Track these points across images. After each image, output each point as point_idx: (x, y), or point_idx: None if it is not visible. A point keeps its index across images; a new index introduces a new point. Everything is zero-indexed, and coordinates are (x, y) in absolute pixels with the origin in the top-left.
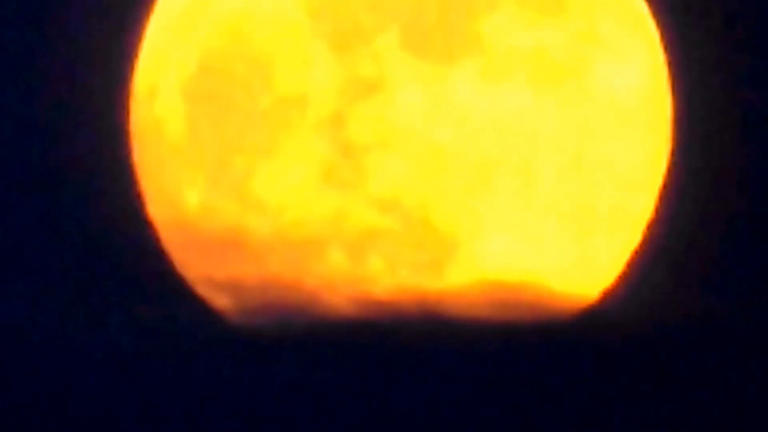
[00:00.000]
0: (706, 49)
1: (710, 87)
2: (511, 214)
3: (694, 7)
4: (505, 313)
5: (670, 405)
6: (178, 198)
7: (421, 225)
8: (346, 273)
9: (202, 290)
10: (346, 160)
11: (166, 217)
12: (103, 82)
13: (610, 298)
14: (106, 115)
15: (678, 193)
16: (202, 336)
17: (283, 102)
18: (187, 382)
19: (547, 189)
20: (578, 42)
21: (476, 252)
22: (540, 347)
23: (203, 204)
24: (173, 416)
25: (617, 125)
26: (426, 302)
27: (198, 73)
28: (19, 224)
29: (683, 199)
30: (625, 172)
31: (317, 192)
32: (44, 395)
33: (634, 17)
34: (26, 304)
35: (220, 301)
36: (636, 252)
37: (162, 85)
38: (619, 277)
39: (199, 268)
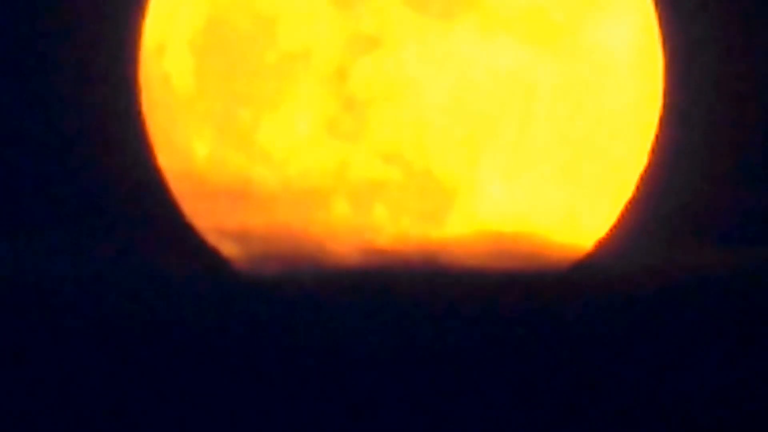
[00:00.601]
0: (693, 2)
1: (698, 40)
2: (509, 166)
3: None
4: (504, 262)
5: (661, 357)
6: (186, 150)
7: (422, 176)
8: (351, 222)
9: (211, 239)
10: (349, 112)
11: (176, 168)
12: (113, 37)
13: (604, 248)
14: (115, 69)
15: (670, 144)
16: (211, 283)
17: (288, 57)
18: (196, 328)
19: (543, 142)
20: (574, 5)
21: (475, 202)
22: (536, 296)
23: (211, 155)
24: (183, 361)
25: (610, 79)
26: (428, 251)
27: (205, 28)
28: (33, 179)
29: (675, 151)
30: (618, 124)
31: (322, 144)
32: (61, 337)
33: None
34: (45, 253)
35: (228, 249)
36: (630, 203)
37: (170, 40)
38: (614, 227)
39: (207, 217)
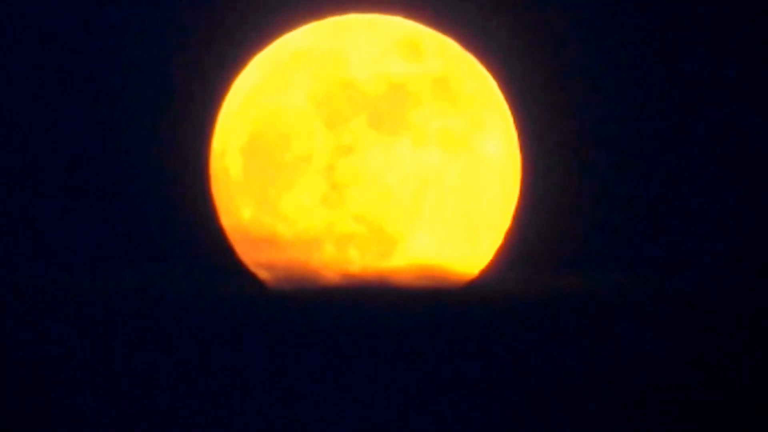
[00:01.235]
0: (543, 121)
1: (544, 142)
2: (429, 224)
3: (534, 94)
4: (423, 282)
5: (527, 351)
6: (237, 214)
7: (378, 230)
8: (335, 259)
9: (252, 268)
10: (334, 192)
11: (231, 224)
12: (195, 145)
13: (486, 273)
14: (196, 164)
15: (526, 210)
16: (252, 296)
17: (298, 158)
18: (242, 326)
19: (448, 208)
20: (468, 124)
21: (410, 246)
22: (444, 303)
23: (252, 217)
24: (234, 346)
25: (488, 168)
26: (381, 276)
27: (249, 141)
28: (137, 231)
29: (531, 213)
30: (494, 196)
31: (318, 211)
32: (131, 341)
33: (497, 106)
34: (141, 277)
35: (262, 275)
36: (500, 248)
37: (228, 147)
38: (490, 263)
39: (250, 255)
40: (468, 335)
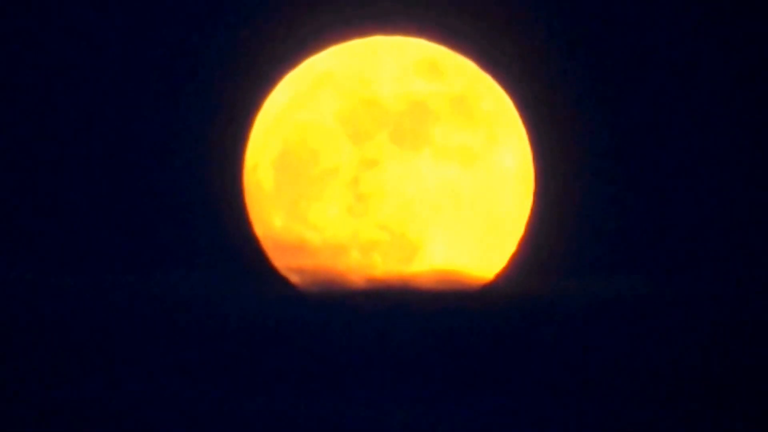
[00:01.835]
0: (555, 137)
1: (556, 156)
2: (448, 232)
3: (546, 111)
4: (442, 286)
5: (540, 349)
6: (269, 223)
7: (400, 237)
8: (360, 264)
9: (285, 273)
10: (359, 202)
11: (264, 233)
12: (230, 160)
13: (501, 277)
14: (231, 177)
15: (538, 219)
16: (285, 298)
17: (326, 171)
18: (277, 324)
19: (465, 218)
20: (485, 139)
21: (429, 253)
22: (461, 306)
23: (284, 226)
24: (266, 345)
25: (503, 180)
26: (403, 280)
27: (280, 155)
28: (177, 239)
29: (543, 222)
30: (509, 206)
31: (344, 219)
32: (188, 338)
33: (513, 122)
34: (180, 282)
35: (294, 279)
36: (515, 253)
37: (261, 161)
38: (505, 268)
39: (282, 261)
40: (484, 336)
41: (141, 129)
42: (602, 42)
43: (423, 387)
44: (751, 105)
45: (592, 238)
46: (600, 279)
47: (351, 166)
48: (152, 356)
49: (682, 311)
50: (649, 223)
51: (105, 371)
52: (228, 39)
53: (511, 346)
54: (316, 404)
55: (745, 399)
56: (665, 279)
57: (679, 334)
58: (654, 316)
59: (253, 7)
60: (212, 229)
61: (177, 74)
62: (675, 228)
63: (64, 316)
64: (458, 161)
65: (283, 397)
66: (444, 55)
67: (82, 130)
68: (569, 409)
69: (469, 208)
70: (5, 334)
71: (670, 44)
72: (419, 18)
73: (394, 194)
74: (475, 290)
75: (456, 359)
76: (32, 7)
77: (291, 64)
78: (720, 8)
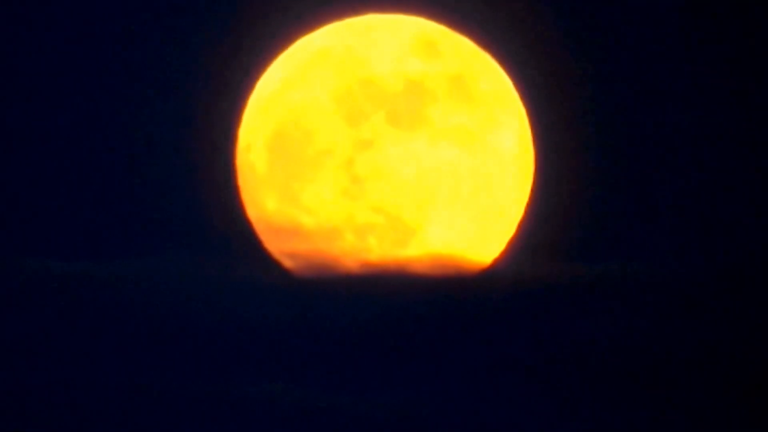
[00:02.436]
0: (555, 118)
1: (556, 140)
2: (444, 215)
3: (546, 91)
4: (439, 270)
5: (539, 346)
6: (262, 205)
7: (396, 220)
8: (354, 247)
9: (278, 257)
10: (354, 184)
11: (256, 215)
12: (222, 140)
13: (498, 262)
14: (224, 158)
15: (537, 202)
16: (279, 282)
17: (321, 152)
18: (270, 308)
19: (463, 200)
20: (483, 120)
21: (426, 236)
22: (458, 290)
23: (277, 208)
24: (261, 327)
25: (502, 162)
26: (399, 264)
27: (274, 135)
28: (168, 222)
29: (542, 205)
30: (508, 190)
31: (339, 202)
32: (178, 322)
33: (511, 103)
34: (171, 265)
35: (287, 263)
36: (511, 239)
37: (254, 142)
38: (502, 252)
39: (275, 244)
40: (480, 320)
41: (132, 110)
42: (603, 21)
43: (418, 373)
44: (750, 94)
45: (592, 221)
46: (601, 263)
47: (346, 147)
48: (143, 341)
49: (682, 296)
50: (649, 207)
51: (95, 356)
52: (221, 17)
53: (510, 332)
54: (310, 390)
55: (737, 384)
56: (665, 264)
57: (678, 319)
58: (652, 301)
59: None
60: (204, 212)
61: (169, 54)
62: (675, 213)
63: (54, 300)
64: (456, 142)
65: (276, 382)
66: (442, 33)
67: (72, 114)
68: (565, 393)
69: (466, 190)
70: None
71: (671, 26)
72: None
73: (390, 176)
74: (473, 275)
75: (453, 345)
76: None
77: (285, 42)
78: None
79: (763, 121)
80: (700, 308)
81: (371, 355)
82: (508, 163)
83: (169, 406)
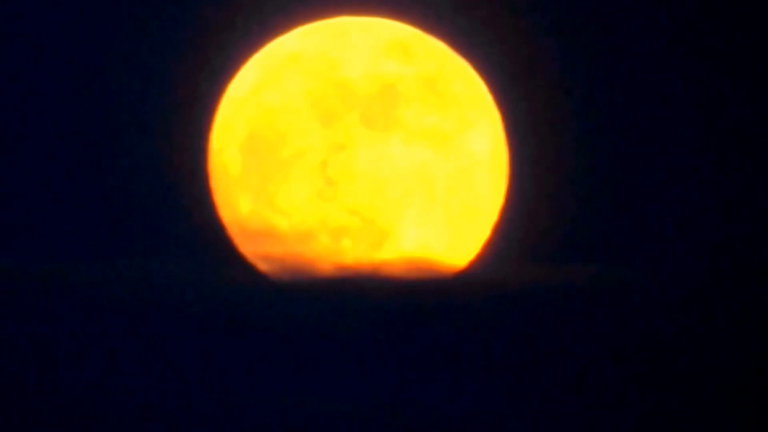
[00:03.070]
0: (529, 120)
1: (530, 142)
2: (419, 218)
3: (520, 93)
4: (413, 273)
5: (513, 350)
6: (235, 207)
7: (370, 223)
8: (329, 250)
9: (252, 260)
10: (328, 186)
11: (229, 218)
12: (195, 143)
13: (473, 265)
14: (197, 160)
15: (512, 204)
16: (253, 285)
17: (294, 154)
18: (244, 312)
19: (437, 203)
20: (457, 122)
21: (399, 239)
22: (432, 293)
23: (250, 210)
24: (235, 330)
25: (476, 164)
26: (373, 266)
27: (247, 138)
28: (140, 225)
29: (517, 207)
30: (482, 192)
31: (313, 204)
32: (138, 327)
33: (485, 105)
34: (143, 269)
35: (261, 266)
36: (486, 241)
37: (227, 145)
38: (477, 255)
39: (249, 247)
40: (455, 323)
41: (103, 112)
42: (577, 24)
43: (393, 376)
44: (734, 92)
45: (567, 224)
46: (576, 266)
47: (320, 149)
48: (116, 345)
49: (658, 298)
50: (625, 209)
51: (67, 360)
52: (193, 18)
53: (485, 335)
54: (285, 393)
55: (724, 384)
56: (641, 266)
57: (654, 321)
58: (629, 303)
59: None
60: (176, 215)
61: (140, 54)
62: (651, 215)
63: (27, 304)
64: (430, 145)
65: (251, 386)
66: (415, 36)
67: (43, 115)
68: (540, 396)
69: (441, 192)
70: None
71: (647, 28)
72: None
73: (364, 178)
74: (448, 278)
75: (427, 348)
76: None
77: (258, 44)
78: None
79: (736, 118)
80: (674, 310)
81: (345, 358)
82: (483, 165)
83: (140, 407)
